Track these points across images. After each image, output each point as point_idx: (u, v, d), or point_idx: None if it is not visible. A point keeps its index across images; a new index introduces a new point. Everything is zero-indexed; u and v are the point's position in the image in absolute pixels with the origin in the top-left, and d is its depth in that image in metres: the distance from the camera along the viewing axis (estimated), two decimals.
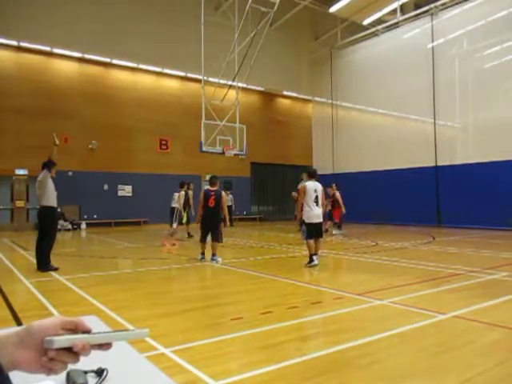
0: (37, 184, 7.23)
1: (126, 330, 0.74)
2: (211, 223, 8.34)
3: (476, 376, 2.78)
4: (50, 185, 7.16)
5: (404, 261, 7.94)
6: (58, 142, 7.19)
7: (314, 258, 7.45)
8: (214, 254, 8.24)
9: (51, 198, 7.13)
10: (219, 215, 8.43)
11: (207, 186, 8.65)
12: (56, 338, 0.66)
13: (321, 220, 7.65)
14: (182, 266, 8.02)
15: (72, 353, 0.67)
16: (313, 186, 7.60)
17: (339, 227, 14.19)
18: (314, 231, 7.55)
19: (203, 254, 8.44)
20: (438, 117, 17.16)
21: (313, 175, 7.85)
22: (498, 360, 3.07)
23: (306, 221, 7.58)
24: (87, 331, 0.71)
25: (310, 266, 7.37)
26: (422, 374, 2.86)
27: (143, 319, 4.20)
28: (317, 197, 7.53)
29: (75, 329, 0.71)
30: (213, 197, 8.22)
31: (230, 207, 19.19)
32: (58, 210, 7.18)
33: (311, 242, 7.52)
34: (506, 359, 3.10)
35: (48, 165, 7.14)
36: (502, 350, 3.30)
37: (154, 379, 1.09)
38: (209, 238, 8.40)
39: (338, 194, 13.77)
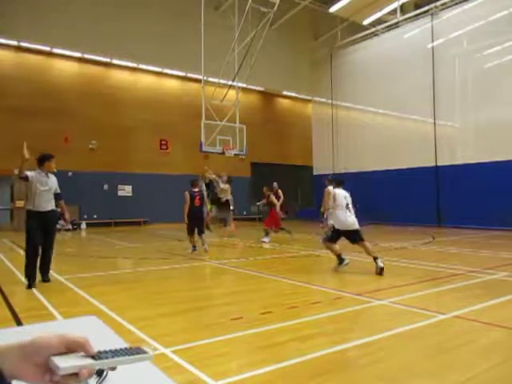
0: None
1: (130, 348, 0.74)
2: (198, 219, 9.55)
3: (476, 376, 2.78)
4: (32, 187, 6.02)
5: (404, 261, 7.94)
6: (27, 156, 5.67)
7: (345, 257, 7.13)
8: (203, 243, 9.42)
9: (30, 201, 6.07)
10: (203, 212, 10.03)
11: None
12: (63, 364, 0.65)
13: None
14: (182, 265, 8.02)
15: (76, 376, 0.67)
16: (343, 193, 7.27)
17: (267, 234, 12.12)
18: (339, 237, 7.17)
19: (195, 246, 9.45)
20: (438, 117, 17.16)
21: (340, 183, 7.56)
22: (499, 360, 3.07)
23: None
24: (92, 354, 0.69)
25: (340, 265, 7.06)
26: (422, 374, 2.86)
27: (143, 319, 4.20)
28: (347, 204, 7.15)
29: (79, 350, 0.69)
30: (198, 197, 9.50)
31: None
32: (58, 209, 6.71)
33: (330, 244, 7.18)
34: (506, 359, 3.10)
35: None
36: (502, 349, 3.30)
37: (154, 379, 1.08)
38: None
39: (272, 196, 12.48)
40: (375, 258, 6.69)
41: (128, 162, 19.30)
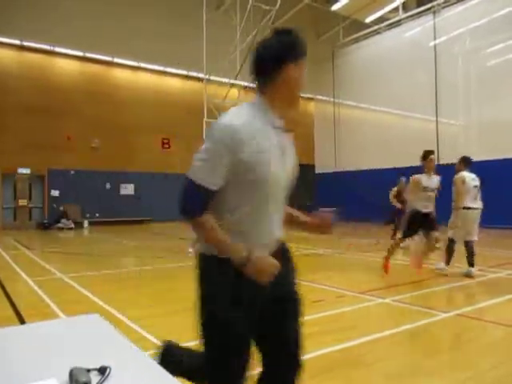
0: None
1: None
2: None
3: (479, 374, 2.77)
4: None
5: (406, 259, 7.92)
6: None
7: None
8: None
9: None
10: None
11: None
12: None
13: None
14: (186, 264, 8.02)
15: None
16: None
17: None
18: None
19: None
20: (441, 115, 17.11)
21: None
22: (502, 358, 3.06)
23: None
24: None
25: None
26: (425, 372, 2.85)
27: (146, 318, 4.20)
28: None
29: None
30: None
31: None
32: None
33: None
34: (509, 357, 3.09)
35: None
36: (505, 348, 3.29)
37: (157, 377, 1.08)
38: None
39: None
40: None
41: (130, 161, 19.31)
